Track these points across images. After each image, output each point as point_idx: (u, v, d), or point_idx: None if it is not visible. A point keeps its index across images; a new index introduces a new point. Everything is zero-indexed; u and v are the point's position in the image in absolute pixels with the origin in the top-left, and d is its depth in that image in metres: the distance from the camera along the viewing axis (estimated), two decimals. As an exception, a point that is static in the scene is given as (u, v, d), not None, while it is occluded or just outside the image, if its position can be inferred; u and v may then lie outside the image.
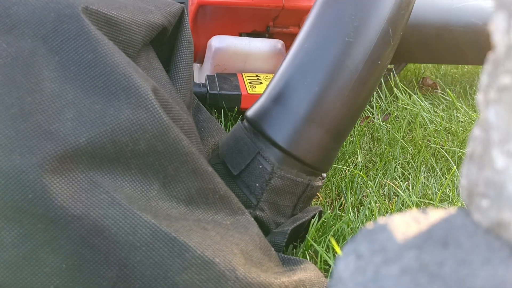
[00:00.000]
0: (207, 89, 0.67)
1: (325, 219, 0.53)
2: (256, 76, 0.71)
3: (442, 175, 0.67)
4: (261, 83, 0.69)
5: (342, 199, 0.60)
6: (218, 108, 0.69)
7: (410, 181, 0.64)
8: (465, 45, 0.92)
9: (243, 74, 0.71)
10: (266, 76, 0.71)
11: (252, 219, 0.40)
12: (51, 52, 0.33)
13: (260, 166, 0.47)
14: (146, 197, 0.34)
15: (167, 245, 0.32)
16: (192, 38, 0.48)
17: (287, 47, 0.77)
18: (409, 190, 0.61)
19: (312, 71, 0.47)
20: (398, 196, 0.60)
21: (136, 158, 0.34)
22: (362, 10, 0.47)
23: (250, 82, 0.69)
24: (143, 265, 0.31)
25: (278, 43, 0.75)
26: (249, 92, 0.67)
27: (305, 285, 0.37)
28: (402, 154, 0.71)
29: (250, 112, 0.50)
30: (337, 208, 0.55)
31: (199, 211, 0.37)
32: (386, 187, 0.62)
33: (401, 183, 0.62)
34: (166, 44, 0.48)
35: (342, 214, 0.55)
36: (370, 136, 0.78)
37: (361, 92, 0.48)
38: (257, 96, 0.63)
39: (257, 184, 0.47)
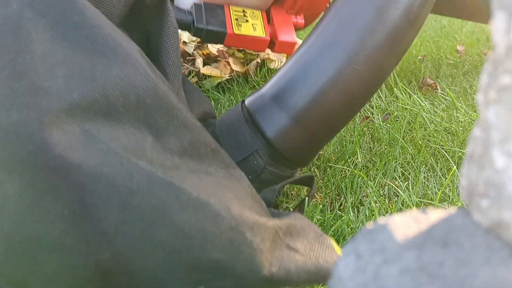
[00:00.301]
0: (193, 20, 0.63)
1: (324, 219, 0.53)
2: (243, 11, 0.67)
3: (442, 175, 0.67)
4: (247, 21, 0.66)
5: (342, 199, 0.60)
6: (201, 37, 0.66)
7: (410, 181, 0.64)
8: None
9: (230, 7, 0.67)
10: (253, 13, 0.67)
11: (243, 174, 0.42)
12: (38, 15, 0.34)
13: (255, 162, 0.50)
14: (141, 149, 0.35)
15: (163, 189, 0.33)
16: (177, 24, 0.49)
17: None
18: (409, 190, 0.61)
19: (313, 83, 0.47)
20: (398, 196, 0.60)
21: (128, 113, 0.35)
22: (378, 39, 0.46)
23: (236, 19, 0.65)
24: (142, 208, 0.32)
25: None
26: (235, 31, 0.64)
27: (297, 228, 0.39)
28: (402, 154, 0.71)
29: (250, 103, 0.52)
30: (337, 208, 0.55)
31: (193, 163, 0.38)
32: (386, 187, 0.62)
33: (401, 183, 0.62)
34: (140, 28, 0.48)
35: (342, 214, 0.55)
36: (370, 136, 0.78)
37: (354, 107, 0.50)
38: (242, 37, 0.62)
39: (249, 176, 0.49)
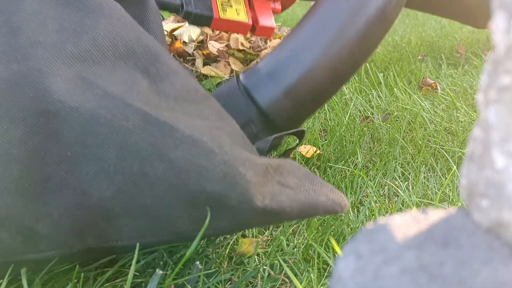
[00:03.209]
0: (183, 5, 0.67)
1: (325, 219, 0.53)
2: None
3: (442, 175, 0.67)
4: (231, 6, 0.70)
5: (342, 199, 0.60)
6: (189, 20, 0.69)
7: (410, 181, 0.64)
8: None
9: None
10: None
11: (233, 119, 0.43)
12: None
13: (250, 130, 0.53)
14: (137, 90, 0.37)
15: (158, 128, 0.35)
16: (158, 8, 0.51)
17: None
18: (409, 190, 0.61)
19: (304, 61, 0.53)
20: (398, 196, 0.60)
21: (119, 61, 0.37)
22: (368, 18, 0.53)
23: (222, 4, 0.69)
24: (138, 146, 0.34)
25: None
26: (220, 16, 0.68)
27: (287, 168, 0.41)
28: (402, 154, 0.71)
29: (245, 77, 0.56)
30: (337, 208, 0.55)
31: (187, 105, 0.40)
32: (386, 187, 0.62)
33: (401, 183, 0.62)
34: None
35: (342, 214, 0.55)
36: (370, 136, 0.78)
37: (339, 82, 0.56)
38: (226, 21, 0.67)
39: None
